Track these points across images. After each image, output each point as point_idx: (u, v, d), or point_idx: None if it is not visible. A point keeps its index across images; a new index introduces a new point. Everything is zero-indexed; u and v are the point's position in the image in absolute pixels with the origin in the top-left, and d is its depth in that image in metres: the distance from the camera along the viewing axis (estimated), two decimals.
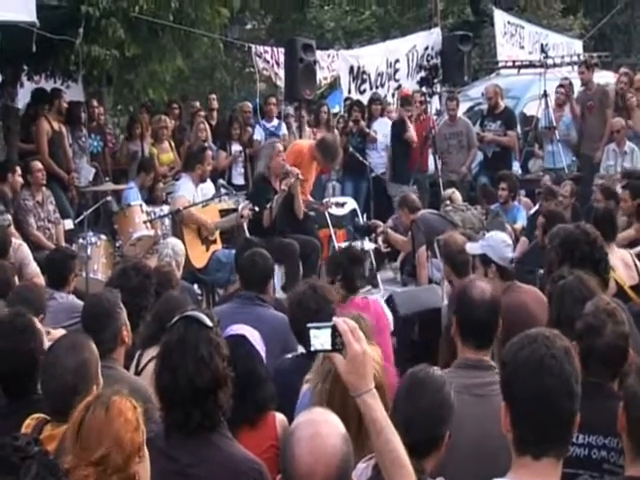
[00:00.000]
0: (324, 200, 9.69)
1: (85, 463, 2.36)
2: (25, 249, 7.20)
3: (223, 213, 8.41)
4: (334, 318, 2.38)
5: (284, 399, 3.80)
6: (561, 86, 11.97)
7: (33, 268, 6.98)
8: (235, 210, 8.80)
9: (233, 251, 7.64)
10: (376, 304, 5.41)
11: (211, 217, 8.26)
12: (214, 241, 8.18)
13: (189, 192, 8.18)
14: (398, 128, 11.40)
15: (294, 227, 8.50)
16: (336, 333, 2.31)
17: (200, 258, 7.98)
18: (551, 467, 2.24)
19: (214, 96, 12.75)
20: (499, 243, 5.13)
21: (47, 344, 3.60)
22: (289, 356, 4.41)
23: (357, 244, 8.72)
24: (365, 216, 10.78)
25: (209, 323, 2.95)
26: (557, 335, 2.35)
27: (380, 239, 9.19)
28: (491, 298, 3.63)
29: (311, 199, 9.26)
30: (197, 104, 12.90)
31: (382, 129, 11.70)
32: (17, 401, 3.46)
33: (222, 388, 2.91)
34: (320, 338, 2.31)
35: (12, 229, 8.09)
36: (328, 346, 2.32)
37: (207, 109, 12.26)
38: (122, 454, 2.39)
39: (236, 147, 11.27)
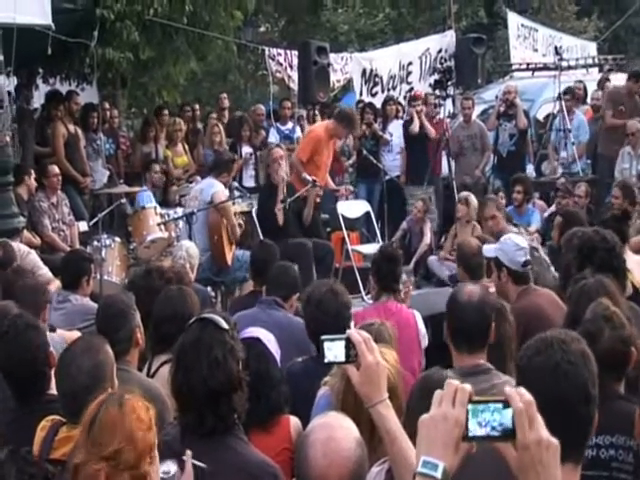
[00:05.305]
0: (341, 187, 10.11)
1: (97, 458, 2.36)
2: (33, 257, 6.98)
3: (236, 215, 8.46)
4: (348, 330, 2.37)
5: (296, 402, 3.79)
6: (577, 89, 11.90)
7: (44, 273, 6.77)
8: (248, 212, 8.86)
9: (246, 252, 7.66)
10: (409, 314, 5.32)
11: None
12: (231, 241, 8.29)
13: (225, 192, 8.30)
14: (408, 127, 11.38)
15: (303, 230, 8.55)
16: (350, 345, 2.30)
17: (230, 257, 8.09)
18: (570, 473, 2.20)
19: (225, 95, 12.71)
20: (511, 247, 5.10)
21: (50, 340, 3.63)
22: (299, 359, 4.40)
23: (371, 246, 8.73)
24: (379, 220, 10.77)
25: (225, 326, 2.95)
26: (574, 338, 2.31)
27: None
28: (479, 300, 3.59)
29: (331, 183, 9.57)
30: (197, 108, 12.86)
31: (397, 131, 11.67)
32: (29, 402, 3.46)
33: (236, 391, 2.91)
34: (334, 350, 2.31)
35: (25, 232, 8.10)
36: (342, 358, 2.31)
37: (218, 109, 12.24)
38: (134, 451, 2.38)
39: (246, 149, 11.24)
